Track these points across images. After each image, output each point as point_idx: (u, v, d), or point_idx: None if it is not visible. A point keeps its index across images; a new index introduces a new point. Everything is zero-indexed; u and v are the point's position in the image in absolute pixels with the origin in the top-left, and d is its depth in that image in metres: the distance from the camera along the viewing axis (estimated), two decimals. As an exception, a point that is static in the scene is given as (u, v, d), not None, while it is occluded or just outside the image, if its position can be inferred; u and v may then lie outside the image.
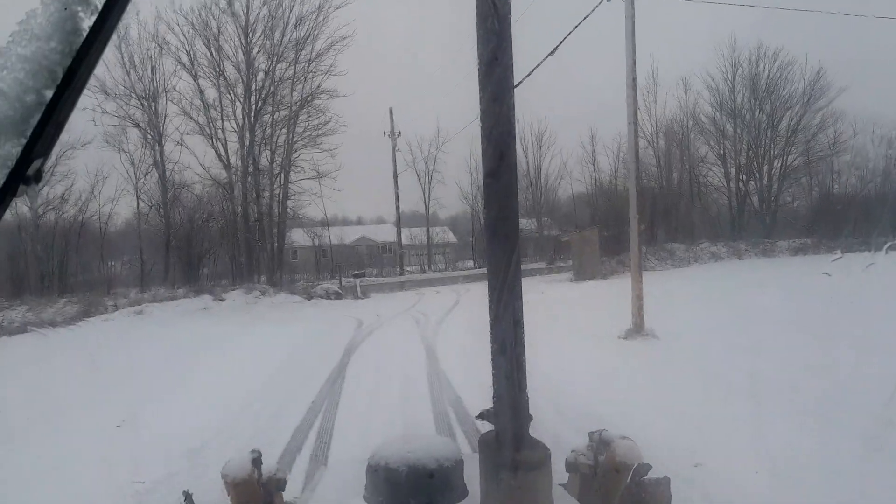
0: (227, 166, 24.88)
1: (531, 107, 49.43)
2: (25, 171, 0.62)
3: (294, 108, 25.08)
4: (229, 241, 25.54)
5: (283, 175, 25.51)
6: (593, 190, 40.38)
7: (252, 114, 24.93)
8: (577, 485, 2.70)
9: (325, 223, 35.68)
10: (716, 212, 32.66)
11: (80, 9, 0.63)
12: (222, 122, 25.08)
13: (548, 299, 17.34)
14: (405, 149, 37.99)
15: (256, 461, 2.62)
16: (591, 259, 23.75)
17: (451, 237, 52.05)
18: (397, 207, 36.00)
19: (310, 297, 23.68)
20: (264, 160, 25.39)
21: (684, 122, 31.21)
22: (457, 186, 38.43)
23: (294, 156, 25.77)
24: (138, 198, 24.23)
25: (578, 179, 43.16)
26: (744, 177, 30.93)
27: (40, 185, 0.64)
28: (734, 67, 31.01)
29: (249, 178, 24.94)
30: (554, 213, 44.07)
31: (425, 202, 39.08)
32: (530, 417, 2.28)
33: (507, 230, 2.22)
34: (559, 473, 2.55)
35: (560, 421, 5.69)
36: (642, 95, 32.20)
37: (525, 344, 2.23)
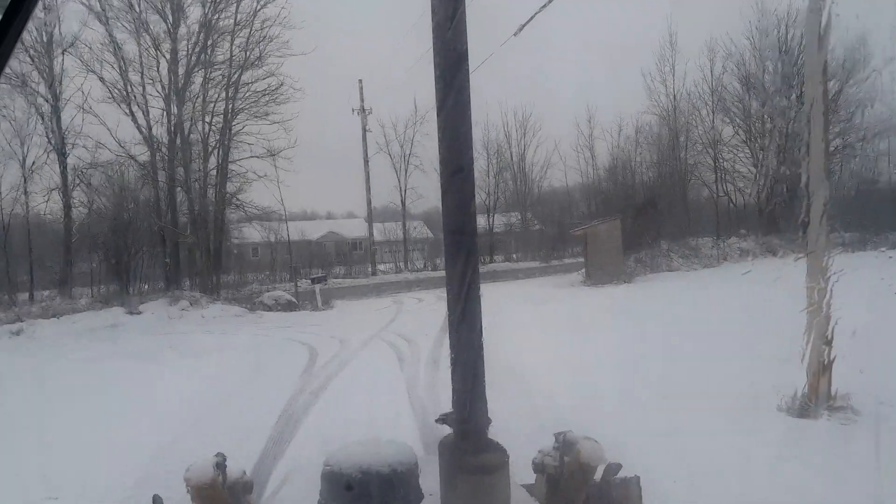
0: (148, 140, 19.35)
1: (514, 91, 44.74)
2: None
3: (235, 64, 19.68)
4: (151, 237, 20.02)
5: (220, 151, 20.12)
6: (593, 177, 35.79)
7: (181, 74, 19.49)
8: (544, 485, 2.74)
9: (284, 216, 30.13)
10: (741, 202, 28.25)
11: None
12: (143, 84, 19.58)
13: (576, 315, 12.49)
14: (377, 129, 32.75)
15: (220, 465, 2.56)
16: (612, 257, 18.96)
17: (427, 233, 46.95)
18: (368, 196, 30.79)
19: (254, 308, 18.41)
20: (197, 134, 19.94)
21: (707, 96, 26.66)
22: (437, 174, 33.15)
23: (235, 126, 20.39)
24: (25, 180, 18.48)
25: (573, 167, 38.35)
26: (773, 162, 26.49)
27: None
28: (762, 34, 26.54)
29: (178, 155, 19.49)
30: (542, 205, 39.32)
31: (401, 191, 33.87)
32: (489, 420, 2.44)
33: (465, 234, 2.35)
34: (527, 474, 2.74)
35: None
36: (657, 63, 27.63)
37: (483, 348, 2.34)
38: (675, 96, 26.15)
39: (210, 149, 19.84)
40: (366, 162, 30.78)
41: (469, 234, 2.33)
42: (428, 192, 32.79)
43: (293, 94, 20.80)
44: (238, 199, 20.94)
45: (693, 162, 26.68)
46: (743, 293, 13.41)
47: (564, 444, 2.66)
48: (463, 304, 2.30)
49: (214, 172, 20.17)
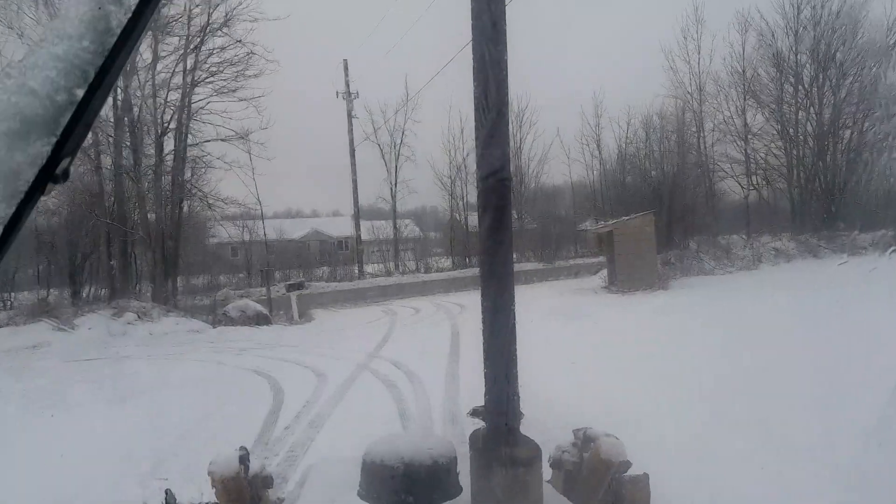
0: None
1: (512, 82, 41.51)
2: (54, 170, 0.61)
3: (195, 27, 16.41)
4: (97, 236, 16.69)
5: (178, 132, 16.84)
6: (600, 169, 32.85)
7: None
8: (561, 481, 2.71)
9: (259, 209, 26.82)
10: (771, 197, 25.44)
11: (113, 8, 0.62)
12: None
13: (635, 340, 9.49)
14: (364, 116, 29.54)
15: (244, 458, 2.59)
16: (644, 259, 16.02)
17: (416, 231, 43.83)
18: (354, 190, 27.58)
19: (216, 322, 15.21)
20: (150, 112, 16.63)
21: (738, 76, 23.77)
22: (430, 167, 30.09)
23: (196, 102, 17.15)
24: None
25: (578, 160, 35.38)
26: (809, 153, 23.68)
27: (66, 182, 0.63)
28: (796, 8, 23.71)
29: (126, 136, 16.20)
30: (544, 201, 36.34)
31: (391, 185, 30.71)
32: (521, 415, 2.42)
33: (503, 237, 2.37)
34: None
35: None
36: (678, 42, 24.73)
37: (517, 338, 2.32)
38: (700, 77, 23.23)
39: (164, 128, 16.53)
40: (352, 153, 27.58)
41: (507, 227, 2.40)
42: (420, 185, 29.61)
43: (266, 66, 17.63)
44: (199, 189, 17.68)
45: (724, 151, 23.80)
46: (829, 299, 10.50)
47: (584, 440, 2.63)
48: (500, 301, 2.30)
49: (171, 158, 16.90)
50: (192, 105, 17.22)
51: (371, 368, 9.12)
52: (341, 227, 48.01)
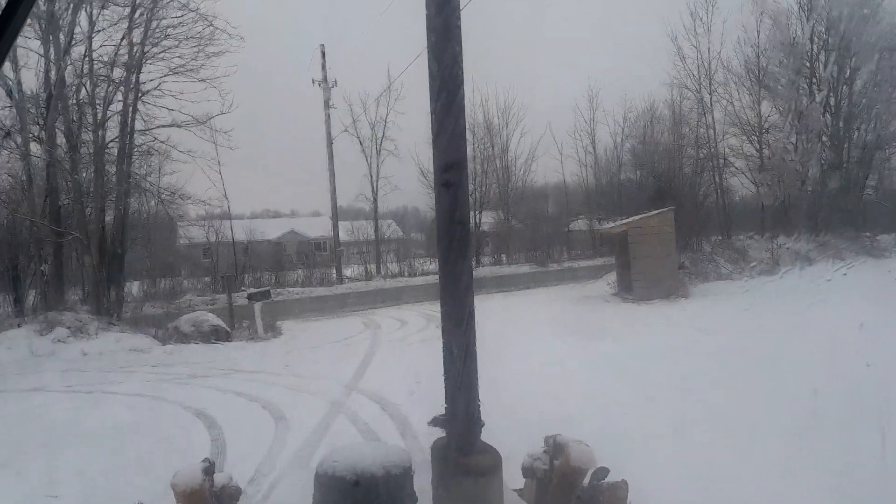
0: (15, 98, 13.56)
1: (496, 77, 39.46)
2: None
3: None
4: (27, 238, 14.21)
5: (123, 116, 14.42)
6: (594, 166, 30.95)
7: (68, 7, 13.82)
8: (534, 489, 2.72)
9: (226, 205, 24.44)
10: (785, 195, 23.64)
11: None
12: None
13: (680, 370, 7.41)
14: (343, 107, 27.25)
15: (208, 470, 2.50)
16: (663, 262, 14.05)
17: (399, 232, 41.55)
18: (332, 186, 25.31)
19: (167, 339, 12.86)
20: (88, 90, 14.21)
21: (752, 64, 21.94)
22: (415, 162, 27.88)
23: (147, 83, 14.76)
24: None
25: (570, 155, 33.39)
26: (827, 149, 21.92)
27: None
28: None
29: (60, 120, 13.78)
30: (534, 200, 34.35)
31: (372, 181, 28.43)
32: (482, 423, 2.40)
33: (461, 236, 2.32)
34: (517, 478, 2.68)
35: None
36: (684, 24, 22.90)
37: (476, 347, 2.31)
38: (709, 64, 21.34)
39: (106, 111, 14.12)
40: (329, 144, 25.27)
41: (465, 227, 2.36)
42: (404, 182, 27.39)
43: (229, 42, 15.30)
44: (151, 183, 15.29)
45: (735, 145, 21.94)
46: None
47: (555, 448, 2.63)
48: (458, 304, 2.28)
49: (112, 146, 14.48)
50: (143, 85, 14.84)
51: (348, 410, 6.94)
52: (320, 228, 45.61)
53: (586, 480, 2.56)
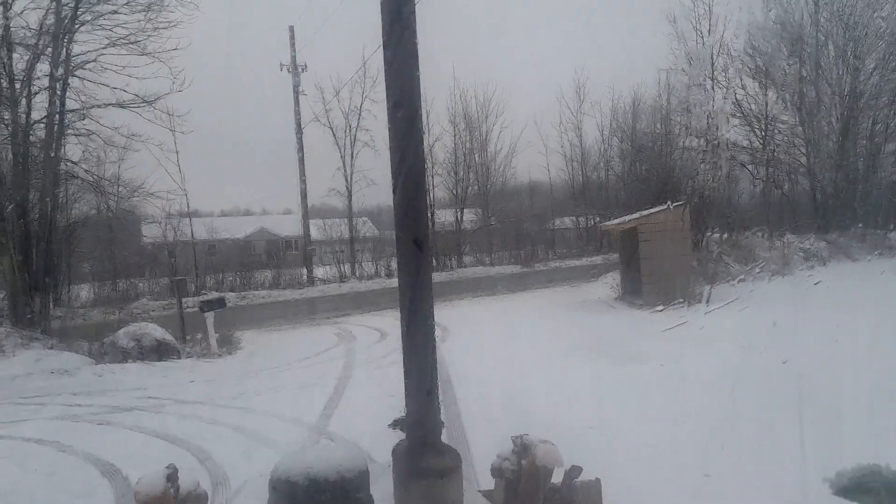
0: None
1: (476, 70, 37.65)
2: None
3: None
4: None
5: (52, 94, 12.25)
6: (581, 160, 29.41)
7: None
8: (502, 490, 2.68)
9: (185, 202, 22.21)
10: (791, 191, 22.35)
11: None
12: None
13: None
14: (314, 94, 25.19)
15: (172, 476, 2.33)
16: (677, 264, 12.43)
17: (374, 230, 39.48)
18: (301, 173, 23.25)
19: (101, 356, 10.77)
20: (4, 62, 12.00)
21: (756, 55, 20.50)
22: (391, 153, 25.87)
23: (82, 55, 12.61)
24: None
25: (556, 150, 31.79)
26: (832, 143, 20.60)
27: None
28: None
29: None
30: (518, 197, 32.75)
31: (345, 175, 26.42)
32: (442, 424, 2.39)
33: (417, 234, 2.23)
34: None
35: None
36: (684, 10, 21.38)
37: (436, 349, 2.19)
38: (714, 48, 19.83)
39: (30, 87, 11.93)
40: (298, 133, 23.20)
41: (422, 224, 2.29)
42: (380, 177, 25.39)
43: (182, 11, 13.23)
44: (88, 171, 13.13)
45: (744, 134, 20.52)
46: None
47: (521, 448, 2.62)
48: (416, 304, 2.21)
49: (42, 128, 12.32)
50: (76, 58, 12.70)
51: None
52: (291, 226, 43.33)
53: (560, 479, 2.56)
